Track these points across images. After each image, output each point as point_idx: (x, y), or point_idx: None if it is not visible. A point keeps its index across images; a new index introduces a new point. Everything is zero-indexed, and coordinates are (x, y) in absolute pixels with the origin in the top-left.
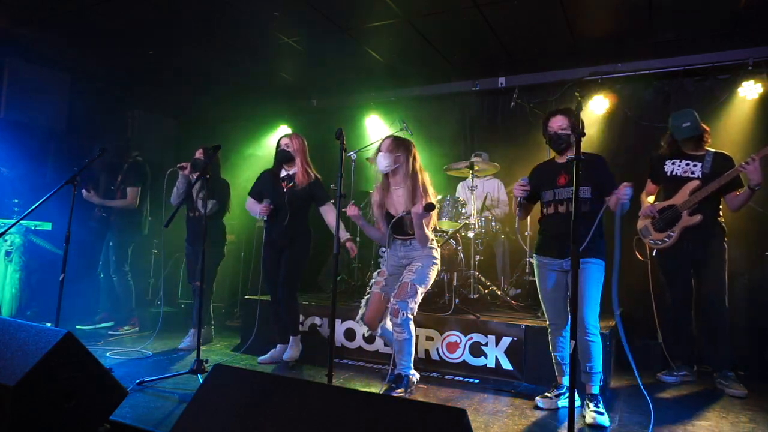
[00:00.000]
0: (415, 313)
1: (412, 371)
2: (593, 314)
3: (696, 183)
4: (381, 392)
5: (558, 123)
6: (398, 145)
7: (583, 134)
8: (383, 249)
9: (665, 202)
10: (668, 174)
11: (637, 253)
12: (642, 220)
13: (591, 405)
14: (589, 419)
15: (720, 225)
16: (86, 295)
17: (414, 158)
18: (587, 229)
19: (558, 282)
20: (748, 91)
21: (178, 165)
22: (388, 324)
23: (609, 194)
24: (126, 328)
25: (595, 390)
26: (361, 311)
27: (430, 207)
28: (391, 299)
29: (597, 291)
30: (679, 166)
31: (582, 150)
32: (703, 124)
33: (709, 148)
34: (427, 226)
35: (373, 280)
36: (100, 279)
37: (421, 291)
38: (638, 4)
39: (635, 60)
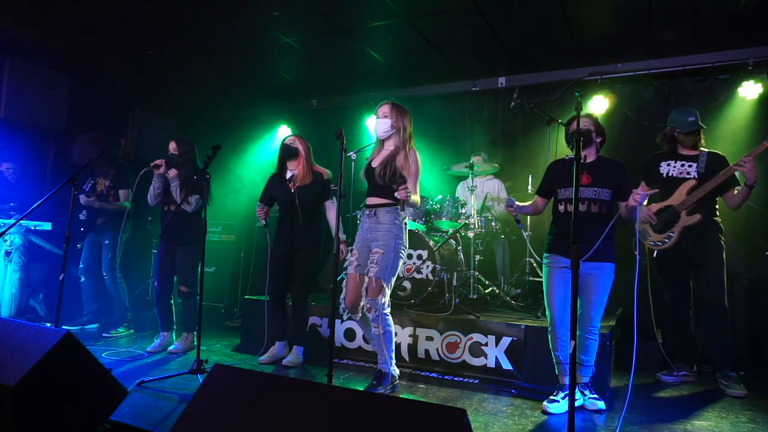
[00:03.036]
0: (388, 307)
1: (393, 367)
2: (599, 318)
3: (693, 182)
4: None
5: (581, 122)
6: (395, 113)
7: (581, 137)
8: None
9: (662, 203)
10: (664, 175)
11: (636, 254)
12: (640, 223)
13: (587, 392)
14: (590, 406)
15: (717, 224)
16: (71, 295)
17: (405, 130)
18: (602, 231)
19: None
20: (748, 91)
21: (152, 164)
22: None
23: (624, 200)
24: (120, 330)
25: (586, 380)
26: (342, 294)
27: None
28: (363, 299)
29: (606, 296)
30: (674, 167)
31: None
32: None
33: (702, 149)
34: (414, 186)
35: (347, 262)
36: (81, 282)
37: (388, 282)
38: (638, 4)
39: (635, 60)
